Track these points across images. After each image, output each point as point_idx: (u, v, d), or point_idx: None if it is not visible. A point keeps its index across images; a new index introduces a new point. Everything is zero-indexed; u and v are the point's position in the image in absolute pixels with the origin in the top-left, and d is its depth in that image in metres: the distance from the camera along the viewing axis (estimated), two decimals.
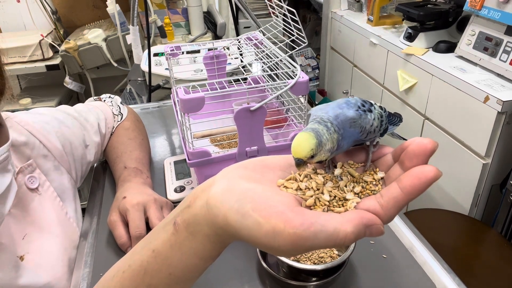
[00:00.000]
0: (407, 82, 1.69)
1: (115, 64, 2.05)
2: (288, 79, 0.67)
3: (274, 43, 0.79)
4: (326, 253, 0.60)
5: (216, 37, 1.96)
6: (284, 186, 0.35)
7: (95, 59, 2.02)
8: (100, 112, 0.84)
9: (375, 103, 0.39)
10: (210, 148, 0.70)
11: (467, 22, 1.54)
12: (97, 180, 0.87)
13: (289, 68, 0.69)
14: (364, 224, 0.30)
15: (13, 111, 0.70)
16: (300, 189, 0.34)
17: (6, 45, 1.88)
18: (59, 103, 2.01)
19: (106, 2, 1.91)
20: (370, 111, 0.37)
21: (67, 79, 2.09)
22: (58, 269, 0.63)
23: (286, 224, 0.30)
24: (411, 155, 0.32)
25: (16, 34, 2.16)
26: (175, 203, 0.75)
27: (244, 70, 0.87)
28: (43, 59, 2.02)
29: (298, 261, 0.58)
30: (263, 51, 0.80)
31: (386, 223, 0.32)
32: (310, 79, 2.77)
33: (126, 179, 0.74)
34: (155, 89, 1.38)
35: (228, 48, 0.89)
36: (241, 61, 0.99)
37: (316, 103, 2.66)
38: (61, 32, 2.20)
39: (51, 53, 2.04)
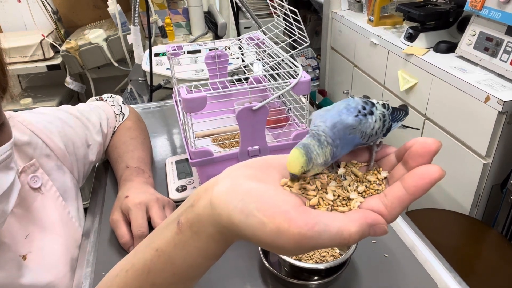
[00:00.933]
0: (407, 82, 1.69)
1: (116, 64, 2.05)
2: (290, 78, 0.67)
3: (276, 43, 0.79)
4: (328, 252, 0.61)
5: (217, 37, 1.96)
6: (288, 186, 0.35)
7: (96, 59, 2.02)
8: (102, 112, 0.84)
9: (377, 102, 0.38)
10: (211, 148, 0.70)
11: (468, 22, 1.54)
12: (99, 179, 0.88)
13: (291, 68, 0.69)
14: (368, 224, 0.31)
15: (14, 111, 0.70)
16: (304, 188, 0.35)
17: (7, 45, 1.87)
18: (60, 103, 2.01)
19: (107, 2, 1.91)
20: (372, 113, 0.36)
21: (68, 79, 2.10)
22: (61, 268, 0.63)
23: (290, 223, 0.30)
24: (415, 155, 0.32)
25: (17, 34, 2.16)
26: (177, 202, 0.75)
27: (246, 70, 0.87)
28: (44, 59, 2.02)
29: (300, 260, 0.58)
30: (265, 51, 0.80)
31: (390, 223, 0.32)
32: (311, 79, 2.77)
33: (128, 179, 0.75)
34: (156, 89, 1.38)
35: (229, 48, 0.89)
36: (243, 61, 0.99)
37: (317, 103, 2.66)
38: (62, 32, 2.21)
39: (52, 53, 2.04)
